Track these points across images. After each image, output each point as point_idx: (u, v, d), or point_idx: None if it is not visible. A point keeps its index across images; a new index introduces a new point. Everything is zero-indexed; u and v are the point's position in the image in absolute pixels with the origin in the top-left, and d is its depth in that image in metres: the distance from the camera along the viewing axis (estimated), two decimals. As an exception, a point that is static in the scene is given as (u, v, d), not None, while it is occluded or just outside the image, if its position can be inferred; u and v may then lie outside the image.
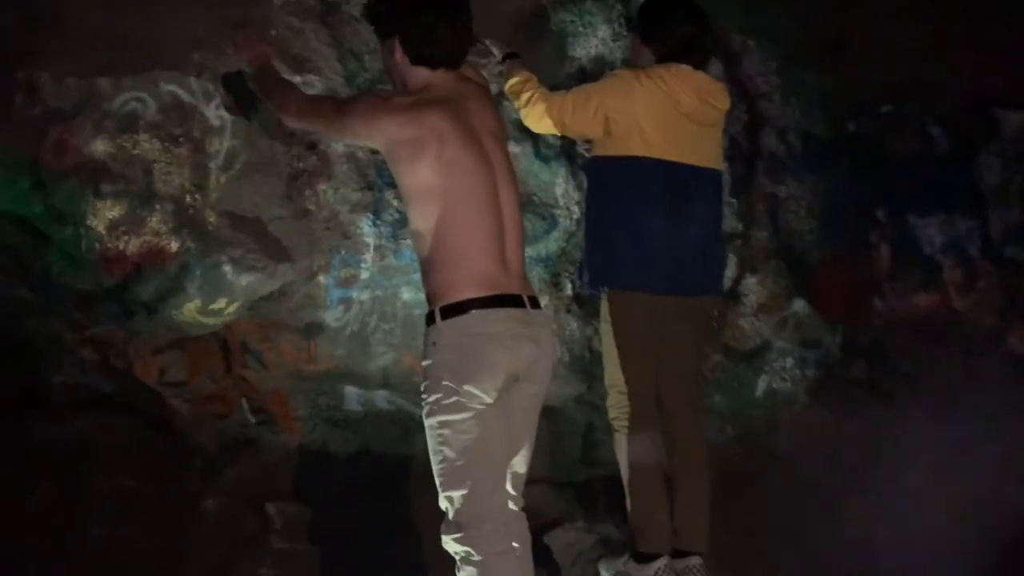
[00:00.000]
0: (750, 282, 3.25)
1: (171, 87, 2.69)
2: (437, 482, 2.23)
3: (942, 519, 2.90)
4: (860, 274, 3.35)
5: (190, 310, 2.84)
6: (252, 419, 3.34)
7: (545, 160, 3.06)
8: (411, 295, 3.00)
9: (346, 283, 3.02)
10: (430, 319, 2.21)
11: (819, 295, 3.34)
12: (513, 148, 3.01)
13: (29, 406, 3.29)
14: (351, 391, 3.30)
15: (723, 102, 2.75)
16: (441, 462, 2.20)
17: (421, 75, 2.26)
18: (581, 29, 3.08)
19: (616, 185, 2.67)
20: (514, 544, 2.22)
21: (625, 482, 2.72)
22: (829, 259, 3.32)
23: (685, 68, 2.65)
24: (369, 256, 2.97)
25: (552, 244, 3.11)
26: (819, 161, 3.30)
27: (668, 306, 2.66)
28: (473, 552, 2.17)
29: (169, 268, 2.77)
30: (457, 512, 2.19)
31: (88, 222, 2.68)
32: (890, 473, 3.15)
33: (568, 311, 3.19)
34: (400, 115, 2.20)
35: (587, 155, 2.89)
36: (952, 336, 3.33)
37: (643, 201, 2.65)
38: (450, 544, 2.21)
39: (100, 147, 2.66)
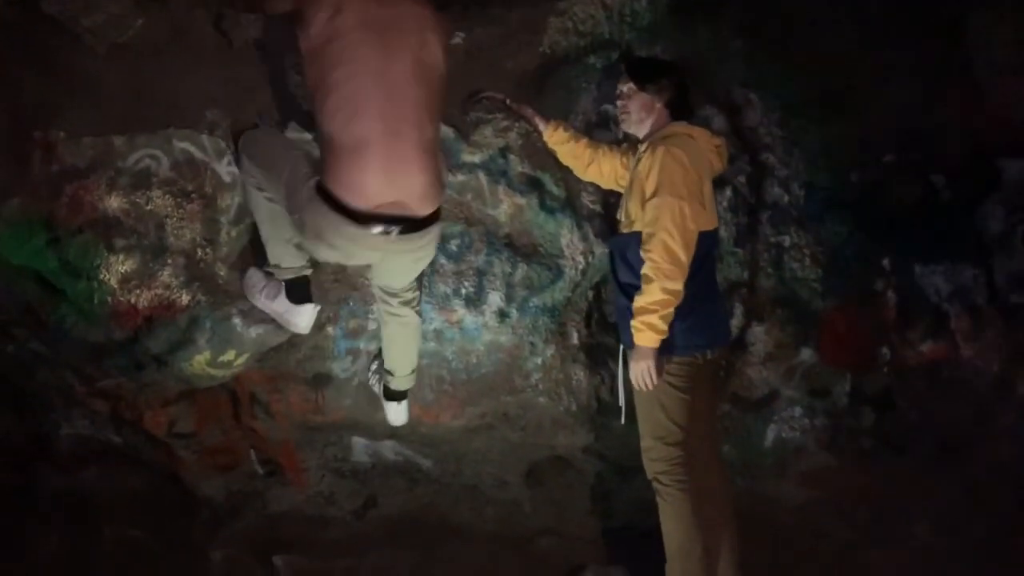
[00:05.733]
0: (757, 331, 3.25)
1: (184, 144, 2.77)
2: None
3: (951, 572, 2.87)
4: (867, 322, 3.35)
5: (200, 362, 2.87)
6: (260, 470, 3.34)
7: (551, 211, 3.10)
8: (418, 346, 3.03)
9: (354, 334, 3.05)
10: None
11: (826, 344, 3.33)
12: (518, 200, 3.07)
13: (38, 458, 3.31)
14: (358, 442, 3.31)
15: (726, 160, 2.83)
16: None
17: None
18: (584, 84, 3.14)
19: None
20: None
21: (674, 541, 2.70)
22: (835, 308, 3.32)
23: (702, 129, 2.75)
24: (376, 307, 2.99)
25: (558, 294, 3.12)
26: (823, 210, 3.32)
27: (704, 360, 2.74)
28: None
29: (179, 321, 2.81)
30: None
31: (101, 276, 2.74)
32: (899, 523, 3.12)
33: (575, 361, 3.20)
34: None
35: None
36: (960, 384, 3.31)
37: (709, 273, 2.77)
38: None
39: (114, 203, 2.72)
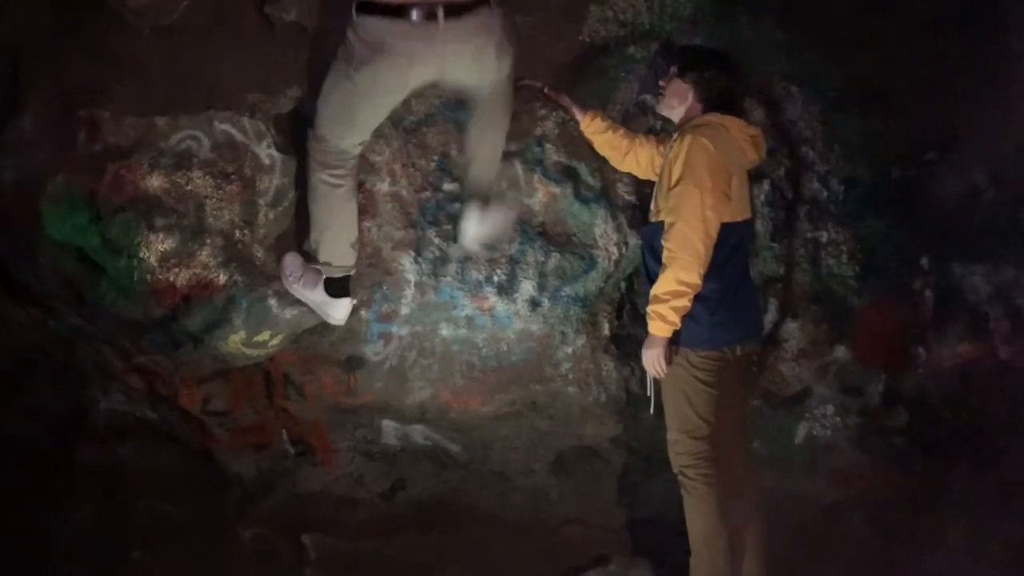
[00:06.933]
0: (791, 327, 3.22)
1: (225, 126, 2.80)
2: None
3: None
4: (903, 321, 3.30)
5: (235, 341, 2.91)
6: (291, 450, 3.39)
7: (585, 202, 3.09)
8: (449, 331, 3.04)
9: (386, 318, 3.06)
10: None
11: (861, 341, 3.29)
12: (553, 189, 3.06)
13: (75, 431, 3.37)
14: (388, 425, 3.33)
15: (763, 151, 2.80)
16: None
17: None
18: (623, 74, 3.12)
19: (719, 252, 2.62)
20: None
21: (699, 534, 2.68)
22: (871, 305, 3.28)
23: (736, 119, 2.71)
24: (409, 292, 3.01)
25: (590, 284, 3.12)
26: (862, 207, 3.28)
27: (733, 356, 2.71)
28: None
29: (216, 300, 2.85)
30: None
31: (141, 254, 2.78)
32: (931, 525, 3.08)
33: (605, 351, 3.20)
34: None
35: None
36: (997, 386, 3.25)
37: (740, 266, 2.73)
38: None
39: (155, 183, 2.77)
